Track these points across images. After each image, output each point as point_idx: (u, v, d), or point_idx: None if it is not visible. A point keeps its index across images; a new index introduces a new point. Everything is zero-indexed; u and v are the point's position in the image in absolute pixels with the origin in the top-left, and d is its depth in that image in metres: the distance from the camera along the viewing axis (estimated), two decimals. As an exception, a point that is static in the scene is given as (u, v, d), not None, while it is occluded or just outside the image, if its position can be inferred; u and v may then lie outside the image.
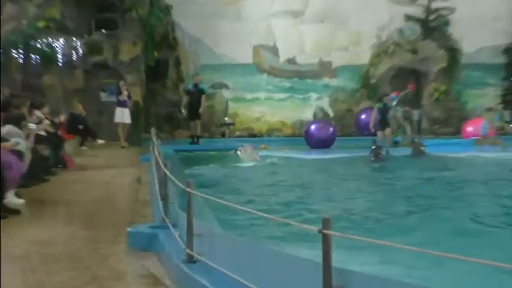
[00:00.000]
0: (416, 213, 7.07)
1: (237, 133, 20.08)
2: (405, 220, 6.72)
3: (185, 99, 17.33)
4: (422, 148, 14.61)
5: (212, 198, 3.99)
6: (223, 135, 18.75)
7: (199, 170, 11.96)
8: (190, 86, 17.53)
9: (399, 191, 9.14)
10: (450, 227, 6.00)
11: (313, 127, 17.54)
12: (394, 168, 12.47)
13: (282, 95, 21.13)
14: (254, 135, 20.15)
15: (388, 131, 15.02)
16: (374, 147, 14.15)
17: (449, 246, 4.90)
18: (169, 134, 18.90)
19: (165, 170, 5.44)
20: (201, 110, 16.97)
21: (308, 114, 21.00)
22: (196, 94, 16.98)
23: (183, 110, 17.42)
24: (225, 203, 3.78)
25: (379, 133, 14.77)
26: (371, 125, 14.91)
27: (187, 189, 3.98)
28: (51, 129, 11.41)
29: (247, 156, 13.42)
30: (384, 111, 15.10)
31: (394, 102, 17.74)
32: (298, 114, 21.07)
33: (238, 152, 13.43)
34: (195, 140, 17.14)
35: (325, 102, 21.23)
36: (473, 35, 20.35)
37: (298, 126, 20.69)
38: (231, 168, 12.62)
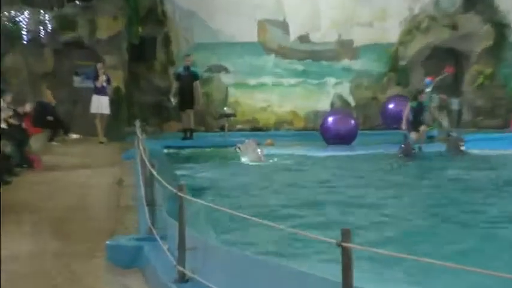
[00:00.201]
0: (449, 222, 7.20)
1: (239, 126, 20.24)
2: (435, 230, 6.84)
3: (175, 85, 17.45)
4: (460, 145, 14.72)
5: (209, 204, 4.08)
6: (222, 128, 18.83)
7: (194, 171, 12.04)
8: (180, 70, 17.63)
9: (430, 196, 9.30)
10: (493, 243, 6.14)
11: (330, 119, 17.65)
12: (427, 168, 12.62)
13: (293, 80, 21.25)
14: (259, 129, 20.30)
15: (422, 127, 15.20)
16: (404, 144, 14.23)
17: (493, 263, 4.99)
18: (157, 127, 19.02)
19: (152, 170, 5.49)
20: (195, 99, 17.10)
21: (324, 104, 21.05)
22: (189, 79, 17.10)
23: (172, 99, 17.54)
24: (225, 210, 3.81)
25: (412, 134, 14.88)
26: (404, 125, 15.04)
27: (179, 194, 4.04)
28: (14, 122, 11.46)
29: (249, 154, 13.53)
30: (418, 110, 15.27)
31: (429, 89, 17.77)
32: (312, 104, 21.11)
33: (238, 150, 13.54)
34: (188, 134, 17.25)
35: (345, 89, 21.34)
36: (525, 7, 20.49)
37: (312, 118, 20.81)
38: (231, 168, 12.72)
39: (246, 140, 13.98)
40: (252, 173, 12.06)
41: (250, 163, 13.19)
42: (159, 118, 19.55)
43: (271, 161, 13.70)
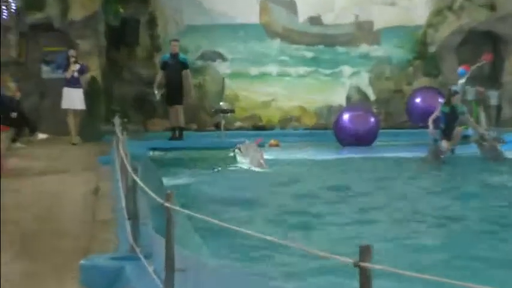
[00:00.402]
0: (481, 238, 7.34)
1: (237, 124, 20.22)
2: (469, 245, 6.96)
3: (160, 75, 17.45)
4: (499, 146, 14.54)
5: (202, 217, 4.02)
6: (217, 127, 18.75)
7: (184, 178, 12.09)
8: (167, 57, 17.56)
9: (462, 205, 9.37)
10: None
11: (346, 116, 17.71)
12: (459, 174, 12.69)
13: (302, 70, 21.27)
14: (261, 128, 20.29)
15: (457, 129, 14.92)
16: (434, 146, 14.25)
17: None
18: (140, 126, 19.05)
19: (134, 176, 5.53)
20: (184, 92, 17.07)
21: (339, 97, 21.12)
22: (177, 68, 17.10)
23: (156, 91, 17.50)
24: (222, 224, 3.79)
25: (443, 143, 14.46)
26: (430, 131, 14.63)
27: (167, 204, 4.05)
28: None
29: (249, 158, 13.53)
30: (451, 117, 14.80)
31: (463, 80, 17.84)
32: (324, 98, 21.13)
33: (237, 151, 13.60)
34: (177, 133, 17.25)
35: (363, 80, 21.35)
36: None
37: (325, 115, 20.84)
38: (229, 174, 12.80)
39: (246, 141, 13.99)
40: (252, 180, 12.09)
41: (250, 168, 13.22)
42: (143, 114, 19.51)
43: (275, 165, 13.70)
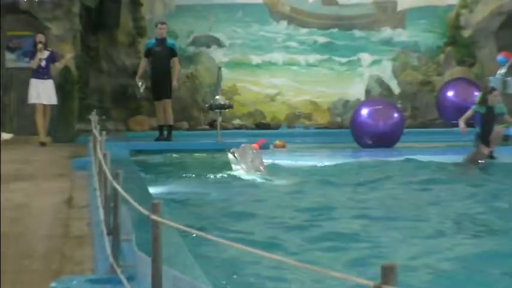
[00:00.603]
0: None
1: (236, 122, 20.20)
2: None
3: (144, 64, 17.39)
4: None
5: (194, 231, 4.04)
6: (212, 125, 18.74)
7: (173, 185, 12.13)
8: (152, 42, 17.51)
9: (503, 219, 9.36)
10: None
11: (365, 112, 17.59)
12: (501, 182, 12.56)
13: (313, 58, 21.23)
14: (265, 126, 20.24)
15: (498, 128, 14.78)
16: (476, 149, 14.28)
17: None
18: (121, 124, 19.07)
19: (114, 184, 5.52)
20: (173, 83, 17.05)
21: (357, 90, 21.10)
22: (164, 55, 17.08)
23: (139, 83, 17.47)
24: (218, 240, 3.73)
25: (482, 149, 14.43)
26: (461, 127, 14.66)
27: (153, 217, 4.03)
28: None
29: (245, 163, 13.53)
30: (487, 119, 14.64)
31: (503, 70, 17.79)
32: (339, 91, 21.11)
33: (233, 156, 13.60)
34: (165, 133, 17.24)
35: (385, 70, 21.32)
36: None
37: (340, 111, 20.87)
38: (223, 182, 12.79)
39: (242, 145, 13.99)
40: (251, 189, 12.05)
41: (247, 175, 13.21)
42: (125, 111, 19.49)
43: (279, 172, 13.65)
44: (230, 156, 13.69)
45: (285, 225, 9.12)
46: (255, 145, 14.42)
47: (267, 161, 13.97)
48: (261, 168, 13.46)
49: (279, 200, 11.08)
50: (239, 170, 13.43)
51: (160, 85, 17.02)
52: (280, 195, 11.51)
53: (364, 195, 11.31)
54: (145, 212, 4.18)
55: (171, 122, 17.23)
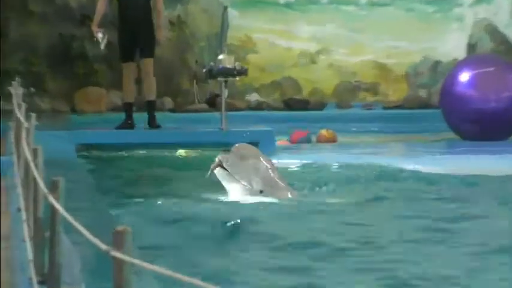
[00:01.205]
0: None
1: (253, 98, 18.21)
2: None
3: (103, 1, 15.01)
4: None
5: (179, 276, 3.36)
6: (210, 104, 17.31)
7: (146, 202, 10.67)
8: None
9: None
10: None
11: (466, 79, 15.19)
12: None
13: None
14: (301, 105, 18.20)
15: None
16: None
17: None
18: (62, 101, 17.61)
19: (51, 200, 4.96)
20: (158, 35, 14.79)
21: (453, 44, 19.52)
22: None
23: (99, 34, 14.98)
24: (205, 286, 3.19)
25: None
26: None
27: (114, 253, 3.57)
28: None
29: (245, 180, 11.17)
30: None
31: None
32: (425, 45, 19.70)
33: (216, 170, 11.25)
34: (150, 116, 14.85)
35: (499, 11, 19.78)
36: None
37: (426, 79, 19.29)
38: (227, 201, 10.99)
39: (236, 145, 11.45)
40: (267, 214, 10.18)
41: (242, 201, 10.89)
42: (68, 79, 18.27)
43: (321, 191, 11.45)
44: (215, 170, 11.04)
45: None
46: (283, 141, 13.71)
47: (304, 162, 12.48)
48: (282, 189, 11.03)
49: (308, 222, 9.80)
50: (231, 191, 11.05)
51: (135, 37, 14.80)
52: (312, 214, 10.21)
53: (463, 216, 9.91)
54: (102, 245, 3.70)
55: (153, 96, 14.91)
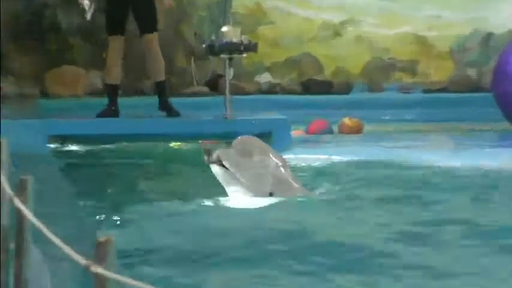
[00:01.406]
0: None
1: (264, 79, 17.80)
2: None
3: None
4: None
5: None
6: (212, 86, 17.08)
7: (133, 209, 9.31)
8: None
9: None
10: None
11: None
12: None
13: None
14: (323, 88, 17.71)
15: None
16: None
17: None
18: (32, 83, 16.99)
19: (17, 203, 4.57)
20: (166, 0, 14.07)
21: (505, 13, 18.13)
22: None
23: (86, 1, 14.14)
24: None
25: None
26: None
27: (94, 269, 3.22)
28: None
29: (245, 179, 10.20)
30: None
31: None
32: (474, 15, 18.37)
33: (213, 167, 10.20)
34: (160, 100, 13.91)
35: None
36: None
37: (476, 56, 18.22)
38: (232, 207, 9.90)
39: (239, 137, 10.47)
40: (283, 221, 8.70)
41: (244, 206, 9.78)
42: (38, 56, 17.17)
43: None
44: (213, 167, 10.07)
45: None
46: (299, 131, 13.50)
47: (322, 157, 11.54)
48: (296, 190, 9.98)
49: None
50: (232, 191, 10.02)
51: (127, 6, 13.66)
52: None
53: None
54: (81, 260, 3.25)
55: (162, 76, 13.93)
